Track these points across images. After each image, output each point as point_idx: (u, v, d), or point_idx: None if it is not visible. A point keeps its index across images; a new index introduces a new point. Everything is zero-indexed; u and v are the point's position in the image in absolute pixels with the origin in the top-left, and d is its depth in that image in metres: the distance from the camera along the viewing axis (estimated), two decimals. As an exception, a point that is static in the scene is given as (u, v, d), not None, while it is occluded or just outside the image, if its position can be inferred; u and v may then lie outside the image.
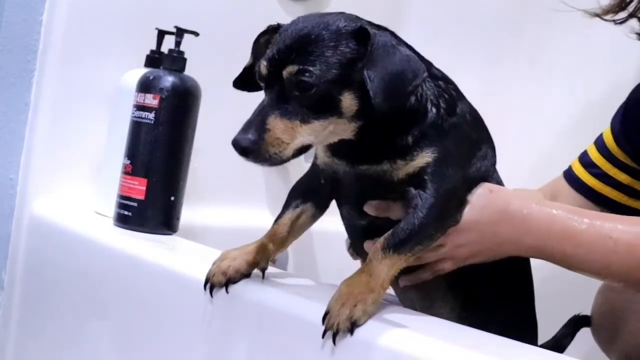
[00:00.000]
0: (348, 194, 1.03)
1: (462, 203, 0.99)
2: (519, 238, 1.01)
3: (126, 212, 1.29)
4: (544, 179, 1.52)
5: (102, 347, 1.23)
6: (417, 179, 0.96)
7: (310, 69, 0.89)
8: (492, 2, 1.90)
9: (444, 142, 0.97)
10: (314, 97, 0.90)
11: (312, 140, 0.92)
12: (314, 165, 1.05)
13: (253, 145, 0.88)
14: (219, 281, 1.00)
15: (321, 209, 1.06)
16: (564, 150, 1.71)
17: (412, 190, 0.95)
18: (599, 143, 1.37)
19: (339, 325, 0.86)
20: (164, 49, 1.38)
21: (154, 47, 1.41)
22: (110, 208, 1.32)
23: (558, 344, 1.26)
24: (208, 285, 1.01)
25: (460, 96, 1.02)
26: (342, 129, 0.94)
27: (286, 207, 1.04)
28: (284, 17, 1.70)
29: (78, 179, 1.44)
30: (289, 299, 0.97)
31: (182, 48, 1.33)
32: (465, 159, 1.00)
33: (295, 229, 1.04)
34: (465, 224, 0.99)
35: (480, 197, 1.00)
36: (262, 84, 0.94)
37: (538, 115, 1.79)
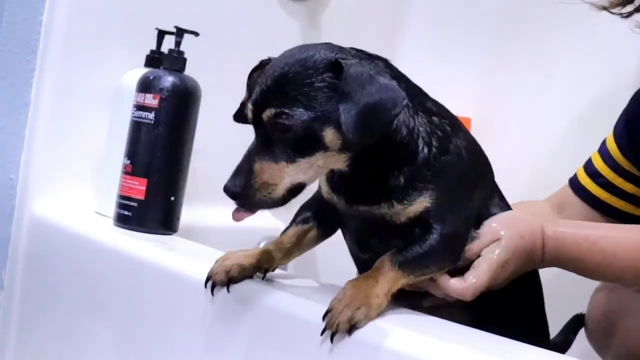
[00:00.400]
0: (349, 229, 1.03)
1: (464, 244, 0.99)
2: (538, 264, 1.05)
3: (126, 212, 1.29)
4: (545, 178, 1.52)
5: (103, 347, 1.23)
6: (419, 222, 0.95)
7: (287, 111, 0.89)
8: (493, 1, 1.90)
9: (439, 184, 0.95)
10: (295, 138, 0.89)
11: (302, 178, 0.92)
12: (319, 193, 1.04)
13: (242, 192, 0.90)
14: (221, 280, 1.00)
15: (326, 232, 1.06)
16: (565, 148, 1.71)
17: (417, 231, 0.95)
18: (604, 152, 1.36)
19: (339, 325, 0.87)
20: (164, 49, 1.38)
21: (154, 47, 1.41)
22: (110, 208, 1.32)
23: (561, 344, 1.25)
24: (209, 284, 1.01)
25: (456, 131, 0.99)
26: (332, 162, 0.93)
27: (294, 221, 1.05)
28: (284, 17, 1.72)
29: (78, 179, 1.44)
30: (289, 299, 0.97)
31: (182, 48, 1.33)
32: (465, 199, 0.99)
33: (301, 244, 1.04)
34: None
35: (511, 240, 1.01)
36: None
37: (539, 113, 1.78)
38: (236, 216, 0.94)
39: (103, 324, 1.23)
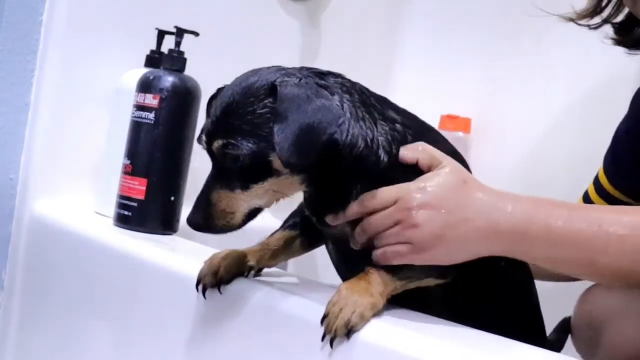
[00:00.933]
0: (332, 248, 1.04)
1: None
2: (491, 219, 0.91)
3: (126, 212, 1.29)
4: (545, 178, 1.53)
5: (102, 347, 1.23)
6: None
7: (232, 141, 0.91)
8: (493, 1, 1.90)
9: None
10: (244, 166, 0.91)
11: (258, 203, 0.94)
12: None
13: (204, 222, 0.93)
14: (210, 282, 1.01)
15: (312, 242, 1.06)
16: (565, 149, 1.71)
17: None
18: (597, 184, 1.36)
19: (337, 330, 0.87)
20: (164, 49, 1.38)
21: (154, 47, 1.41)
22: (110, 208, 1.32)
23: (554, 343, 1.25)
24: (200, 287, 1.01)
25: (423, 136, 0.97)
26: (287, 185, 0.94)
27: (282, 226, 1.06)
28: (284, 17, 1.72)
29: (78, 179, 1.44)
30: (290, 299, 0.97)
31: (182, 48, 1.33)
32: None
33: (287, 249, 1.05)
34: (426, 199, 0.91)
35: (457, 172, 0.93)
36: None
37: (539, 113, 1.78)
38: None
39: (103, 323, 1.23)
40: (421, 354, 0.83)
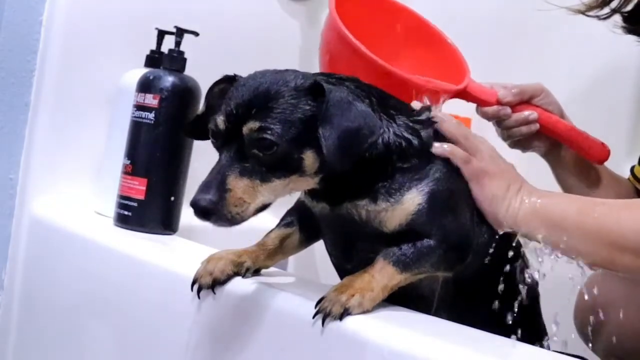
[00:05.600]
0: (333, 237, 1.03)
1: (466, 247, 0.98)
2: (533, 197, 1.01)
3: (126, 212, 1.29)
4: (545, 177, 1.52)
5: (102, 347, 1.23)
6: (410, 230, 0.94)
7: (272, 126, 0.86)
8: (493, 2, 1.90)
9: (426, 187, 0.94)
10: (275, 156, 0.87)
11: (272, 199, 0.90)
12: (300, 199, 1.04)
13: (214, 206, 0.86)
14: (206, 282, 1.00)
15: (309, 238, 1.05)
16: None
17: (410, 237, 0.94)
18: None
19: (331, 309, 0.87)
20: (164, 49, 1.38)
21: (154, 47, 1.41)
22: (110, 208, 1.32)
23: None
24: (196, 287, 1.01)
25: (434, 133, 0.99)
26: (303, 184, 0.93)
27: (278, 224, 1.05)
28: (284, 17, 1.71)
29: (78, 179, 1.44)
30: (290, 299, 0.97)
31: (182, 48, 1.33)
32: (459, 200, 0.98)
33: (284, 248, 1.04)
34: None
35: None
36: (215, 140, 0.91)
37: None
38: None
39: (103, 323, 1.23)
40: (421, 354, 0.83)
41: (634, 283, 1.15)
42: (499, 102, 1.23)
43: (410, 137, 0.95)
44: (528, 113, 1.18)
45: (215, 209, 0.86)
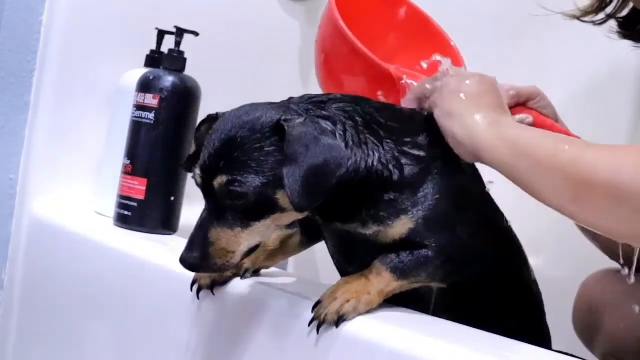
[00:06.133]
0: (333, 243, 1.03)
1: (467, 259, 0.97)
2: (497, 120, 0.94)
3: (126, 212, 1.29)
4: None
5: (102, 347, 1.23)
6: (408, 242, 0.93)
7: (239, 178, 0.87)
8: (492, 1, 1.90)
9: (421, 204, 0.93)
10: (248, 204, 0.88)
11: (258, 240, 0.91)
12: None
13: (200, 262, 0.89)
14: (206, 283, 1.01)
15: (311, 239, 1.06)
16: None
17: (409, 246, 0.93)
18: None
19: (326, 316, 0.87)
20: (164, 49, 1.38)
21: (154, 47, 1.41)
22: (110, 208, 1.32)
23: None
24: (195, 287, 1.02)
25: (434, 147, 0.96)
26: (288, 218, 0.92)
27: None
28: (284, 17, 1.71)
29: (78, 179, 1.44)
30: (290, 300, 0.97)
31: (182, 48, 1.33)
32: (458, 213, 0.96)
33: (285, 248, 1.04)
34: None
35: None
36: (199, 189, 0.92)
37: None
38: None
39: (103, 323, 1.23)
40: (421, 354, 0.83)
41: (630, 284, 1.15)
42: None
43: (392, 169, 0.93)
44: (524, 116, 1.15)
45: (203, 264, 0.89)
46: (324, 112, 0.91)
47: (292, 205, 0.86)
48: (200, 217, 0.91)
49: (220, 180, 0.88)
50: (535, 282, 1.13)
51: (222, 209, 0.89)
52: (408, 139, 0.95)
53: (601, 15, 1.32)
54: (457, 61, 1.22)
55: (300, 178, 0.84)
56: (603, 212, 0.85)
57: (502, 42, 1.86)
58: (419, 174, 0.94)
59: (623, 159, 0.84)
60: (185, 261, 0.89)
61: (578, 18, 1.33)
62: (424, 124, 0.98)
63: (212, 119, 0.95)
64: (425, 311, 1.00)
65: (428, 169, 0.94)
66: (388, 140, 0.93)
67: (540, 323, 1.14)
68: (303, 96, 0.95)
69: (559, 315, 1.29)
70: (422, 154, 0.94)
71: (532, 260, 1.13)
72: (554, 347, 1.15)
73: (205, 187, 0.90)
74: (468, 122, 0.93)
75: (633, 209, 0.82)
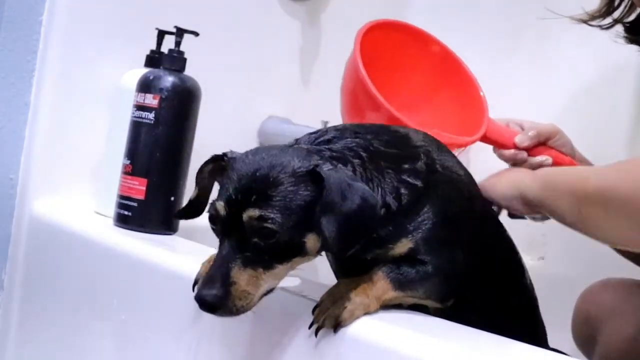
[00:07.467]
0: (332, 259, 1.04)
1: (460, 281, 0.98)
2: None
3: (126, 212, 1.29)
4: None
5: (102, 347, 1.23)
6: (408, 257, 0.94)
7: (272, 216, 0.84)
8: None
9: (420, 227, 0.94)
10: (277, 244, 0.85)
11: (276, 284, 0.89)
12: None
13: (220, 301, 0.84)
14: None
15: None
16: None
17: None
18: None
19: (325, 320, 0.87)
20: (164, 49, 1.38)
21: (154, 47, 1.41)
22: (110, 208, 1.32)
23: None
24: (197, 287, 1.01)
25: (432, 169, 0.97)
26: (303, 262, 0.91)
27: None
28: (284, 17, 1.72)
29: (78, 179, 1.44)
30: (290, 299, 0.97)
31: (182, 48, 1.33)
32: (456, 234, 0.98)
33: None
34: None
35: None
36: (215, 226, 0.88)
37: (539, 111, 1.78)
38: None
39: (103, 323, 1.23)
40: (420, 354, 0.83)
41: (627, 295, 1.15)
42: (516, 146, 1.23)
43: (392, 201, 0.93)
44: (544, 158, 1.21)
45: (221, 304, 0.84)
46: (334, 154, 0.91)
47: (330, 251, 0.87)
48: (219, 253, 0.87)
49: (251, 213, 0.85)
50: (530, 283, 1.15)
51: (245, 248, 0.86)
52: (407, 166, 0.95)
53: (608, 20, 1.32)
54: (481, 111, 1.24)
55: (338, 227, 0.84)
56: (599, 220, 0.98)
57: (502, 42, 1.86)
58: (417, 202, 0.94)
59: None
60: (203, 299, 0.84)
61: (585, 22, 1.34)
62: (421, 146, 0.99)
63: (215, 159, 0.94)
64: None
65: (427, 196, 0.95)
66: (389, 170, 0.94)
67: (535, 320, 1.15)
68: (309, 136, 0.95)
69: (559, 314, 1.29)
70: (419, 183, 0.95)
71: (533, 260, 1.13)
72: (554, 345, 1.15)
73: (230, 222, 0.86)
74: (501, 178, 1.13)
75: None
